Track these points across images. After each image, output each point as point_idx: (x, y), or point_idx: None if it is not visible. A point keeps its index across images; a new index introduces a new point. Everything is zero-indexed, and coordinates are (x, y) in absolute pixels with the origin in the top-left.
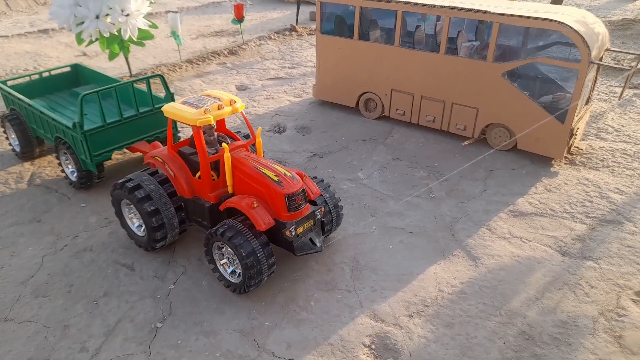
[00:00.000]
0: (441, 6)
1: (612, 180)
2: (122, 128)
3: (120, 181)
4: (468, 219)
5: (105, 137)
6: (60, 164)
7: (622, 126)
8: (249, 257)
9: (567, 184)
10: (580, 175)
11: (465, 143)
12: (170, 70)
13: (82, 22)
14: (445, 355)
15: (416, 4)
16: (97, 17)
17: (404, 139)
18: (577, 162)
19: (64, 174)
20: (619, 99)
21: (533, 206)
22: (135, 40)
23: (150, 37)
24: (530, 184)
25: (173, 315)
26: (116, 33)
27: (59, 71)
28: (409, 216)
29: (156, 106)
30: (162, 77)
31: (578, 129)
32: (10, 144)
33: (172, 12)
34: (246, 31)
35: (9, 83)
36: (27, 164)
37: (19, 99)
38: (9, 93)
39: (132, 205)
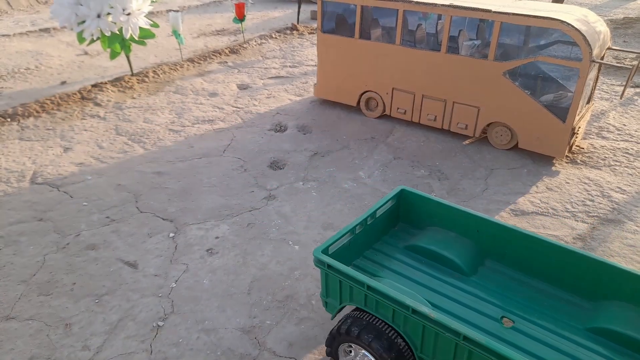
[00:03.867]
0: (442, 5)
1: (614, 179)
2: None
3: None
4: None
5: None
6: None
7: (624, 125)
8: None
9: (568, 183)
10: (582, 174)
11: (467, 142)
12: (171, 69)
13: (84, 21)
14: None
15: (417, 3)
16: (99, 16)
17: (405, 138)
18: (578, 161)
19: None
20: (621, 98)
21: (534, 205)
22: (136, 39)
23: (152, 36)
24: (532, 183)
25: (174, 313)
26: (117, 32)
27: (383, 208)
28: None
29: None
30: None
31: (579, 127)
32: None
33: (173, 11)
34: (247, 30)
35: (332, 249)
36: (28, 163)
37: (416, 312)
38: (370, 288)
39: None
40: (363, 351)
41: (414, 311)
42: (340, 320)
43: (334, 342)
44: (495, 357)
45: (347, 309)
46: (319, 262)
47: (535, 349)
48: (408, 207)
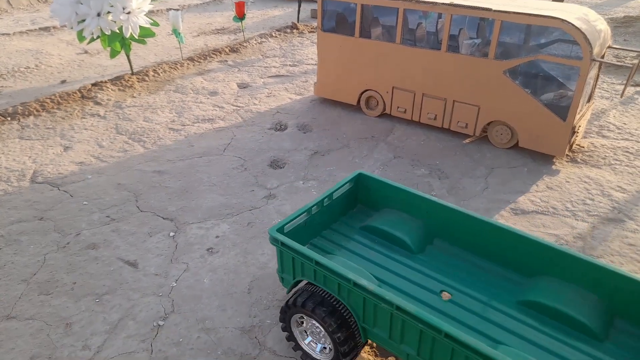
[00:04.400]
0: (443, 4)
1: (614, 178)
2: None
3: None
4: None
5: None
6: None
7: (624, 124)
8: None
9: (568, 181)
10: (582, 173)
11: (467, 140)
12: (171, 68)
13: (84, 20)
14: None
15: (418, 2)
16: (99, 14)
17: (405, 136)
18: (578, 160)
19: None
20: (621, 97)
21: (534, 204)
22: (136, 38)
23: (152, 34)
24: (532, 181)
25: (175, 312)
26: (117, 31)
27: (340, 190)
28: None
29: None
30: None
31: (580, 126)
32: (295, 346)
33: (174, 9)
34: (247, 29)
35: (287, 228)
36: (28, 162)
37: (357, 285)
38: (318, 264)
39: None
40: (313, 321)
41: (355, 284)
42: (293, 293)
43: (287, 313)
44: (424, 325)
45: (301, 284)
46: (273, 240)
47: (468, 319)
48: (365, 190)
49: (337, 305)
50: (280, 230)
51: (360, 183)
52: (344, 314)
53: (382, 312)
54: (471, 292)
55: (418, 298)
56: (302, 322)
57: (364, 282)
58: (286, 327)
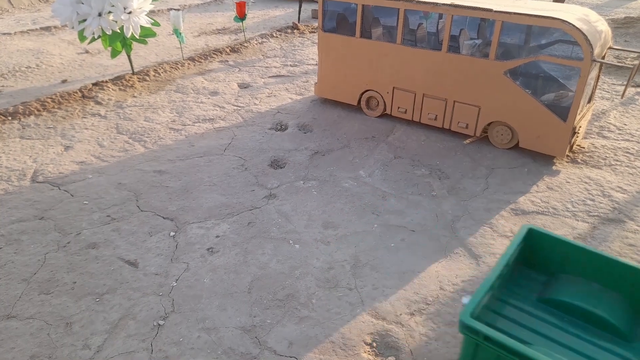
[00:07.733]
0: (443, 4)
1: (614, 178)
2: None
3: None
4: (469, 217)
5: None
6: None
7: (625, 124)
8: None
9: (569, 182)
10: (582, 173)
11: (468, 141)
12: (172, 68)
13: (85, 20)
14: (446, 353)
15: (419, 2)
16: (100, 14)
17: (405, 137)
18: (579, 160)
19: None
20: (622, 98)
21: (535, 204)
22: (137, 37)
23: (153, 34)
24: (532, 182)
25: (175, 312)
26: (118, 31)
27: (514, 254)
28: (410, 214)
29: None
30: None
31: (580, 127)
32: None
33: (175, 9)
34: (248, 29)
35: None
36: (29, 162)
37: None
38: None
39: None
40: None
41: None
42: None
43: None
44: None
45: None
46: (469, 331)
47: None
48: (534, 249)
49: None
50: (472, 315)
51: (528, 241)
52: None
53: None
54: None
55: None
56: None
57: None
58: None
